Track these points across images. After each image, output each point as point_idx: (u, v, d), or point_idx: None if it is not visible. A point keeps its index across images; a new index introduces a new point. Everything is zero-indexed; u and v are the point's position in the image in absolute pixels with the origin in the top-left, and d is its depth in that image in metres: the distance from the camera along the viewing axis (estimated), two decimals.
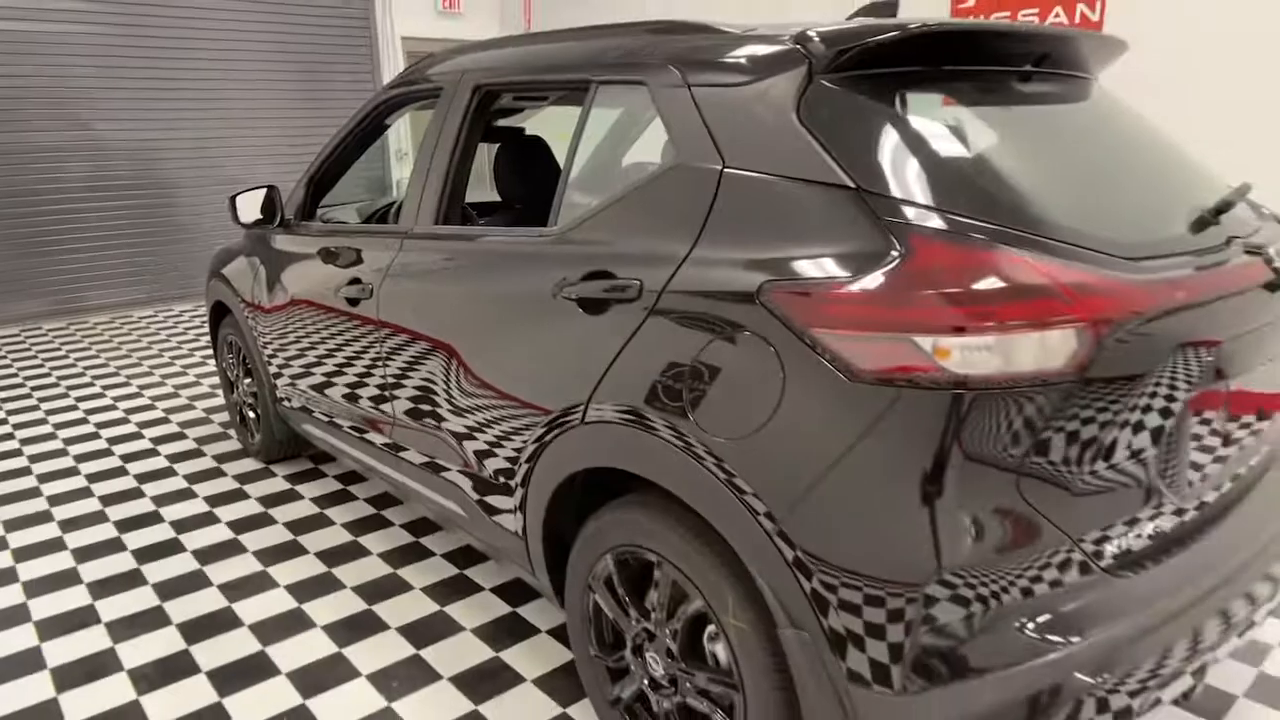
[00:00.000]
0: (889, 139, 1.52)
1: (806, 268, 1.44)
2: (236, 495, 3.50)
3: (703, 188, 1.65)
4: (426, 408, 2.40)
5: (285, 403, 3.40)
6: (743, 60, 1.67)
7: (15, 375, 5.39)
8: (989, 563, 1.34)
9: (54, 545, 3.10)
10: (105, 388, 5.07)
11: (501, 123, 3.50)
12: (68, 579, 2.86)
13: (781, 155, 1.55)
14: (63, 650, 2.46)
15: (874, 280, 1.36)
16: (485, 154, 2.97)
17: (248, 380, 3.74)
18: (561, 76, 2.13)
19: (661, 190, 1.75)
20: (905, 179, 1.45)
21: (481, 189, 3.46)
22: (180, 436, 4.21)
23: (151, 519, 3.30)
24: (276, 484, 3.61)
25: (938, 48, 1.63)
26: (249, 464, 3.84)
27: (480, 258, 2.21)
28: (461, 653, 2.41)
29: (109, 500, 3.48)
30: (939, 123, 1.61)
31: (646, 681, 1.84)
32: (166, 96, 7.30)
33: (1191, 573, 1.53)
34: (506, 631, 2.51)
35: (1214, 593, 1.55)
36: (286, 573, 2.87)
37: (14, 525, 3.26)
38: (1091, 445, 1.38)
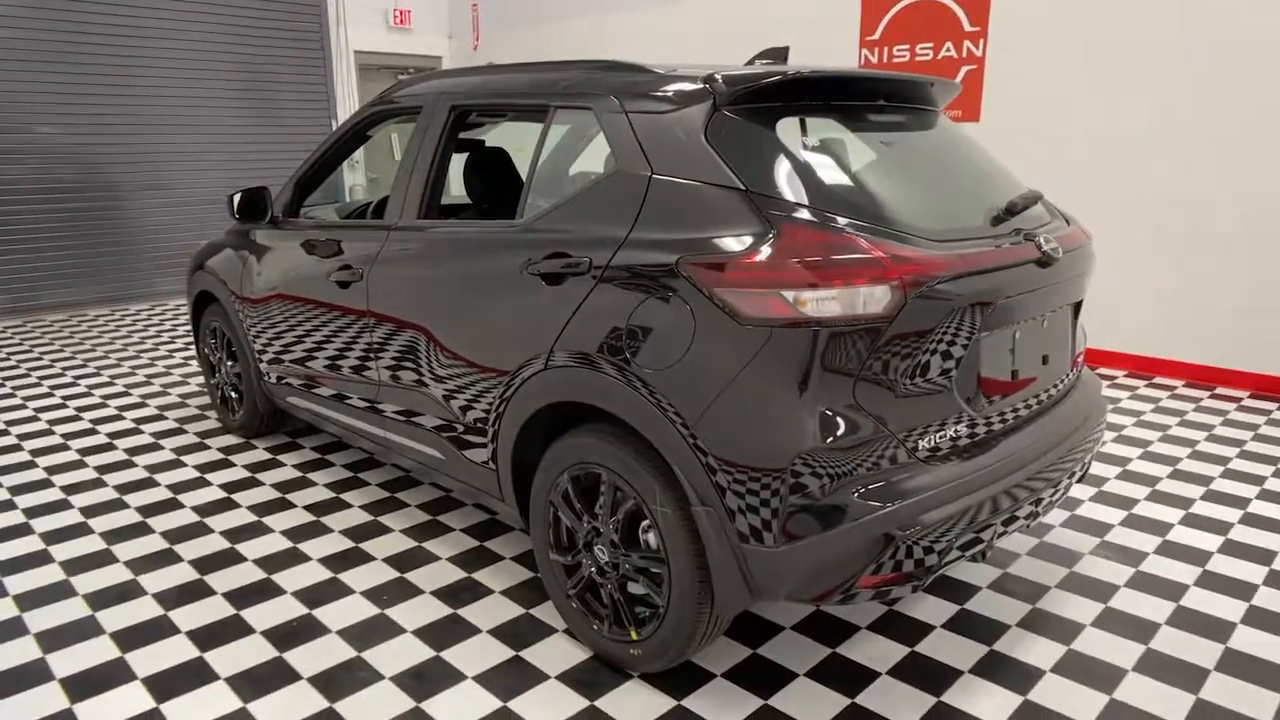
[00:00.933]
0: (769, 154, 2.11)
1: (710, 245, 2.01)
2: (223, 464, 3.91)
3: (636, 188, 2.21)
4: (413, 370, 2.89)
5: (268, 380, 3.83)
6: (667, 93, 2.24)
7: None
8: (834, 450, 1.92)
9: (60, 505, 3.47)
10: (76, 378, 5.37)
11: (464, 136, 4.01)
12: (79, 530, 3.25)
13: (693, 165, 2.12)
14: (90, 582, 2.87)
15: (756, 253, 1.93)
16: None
17: (230, 363, 4.15)
18: (526, 101, 2.68)
19: (605, 191, 2.30)
20: (779, 183, 2.04)
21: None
22: (160, 418, 4.58)
23: (148, 483, 3.69)
24: (259, 455, 4.03)
25: (805, 88, 2.23)
26: (230, 439, 4.24)
27: (460, 244, 2.73)
28: (440, 574, 2.90)
29: (104, 469, 3.85)
30: (807, 142, 2.21)
31: (595, 570, 2.37)
32: (112, 102, 7.53)
33: (986, 467, 2.14)
34: (477, 559, 3.01)
35: (1002, 484, 2.15)
36: (279, 522, 3.31)
37: (18, 490, 3.62)
38: (905, 367, 1.97)
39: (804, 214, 1.98)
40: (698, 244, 2.03)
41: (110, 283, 7.78)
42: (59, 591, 2.80)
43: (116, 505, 3.47)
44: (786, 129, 2.20)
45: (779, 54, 3.06)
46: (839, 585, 1.96)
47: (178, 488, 3.64)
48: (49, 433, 4.35)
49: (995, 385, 2.21)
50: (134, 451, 4.07)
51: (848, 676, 2.34)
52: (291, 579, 2.88)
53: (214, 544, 3.13)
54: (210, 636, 2.55)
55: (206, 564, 2.98)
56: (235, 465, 3.89)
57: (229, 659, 2.44)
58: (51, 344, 6.31)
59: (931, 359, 2.01)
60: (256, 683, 2.33)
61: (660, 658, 2.24)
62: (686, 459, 2.03)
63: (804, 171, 2.12)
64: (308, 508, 3.44)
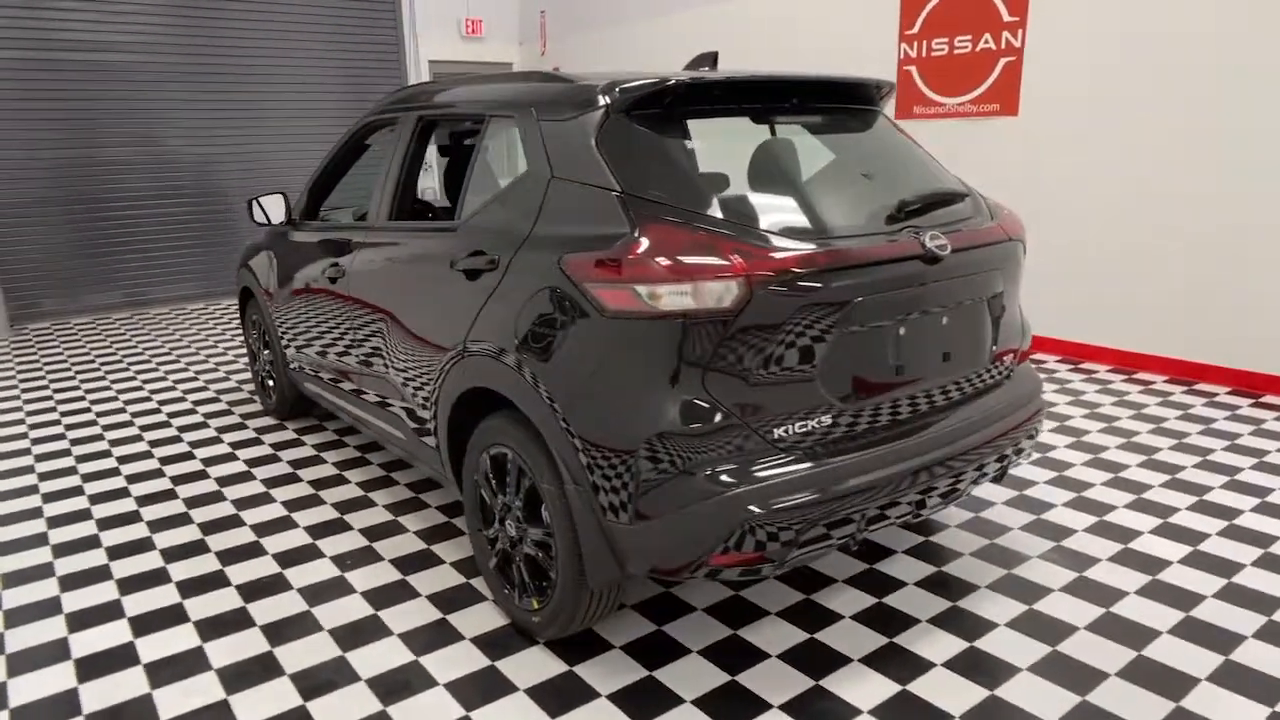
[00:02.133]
0: (649, 157, 2.25)
1: (584, 243, 2.17)
2: (253, 442, 4.34)
3: (539, 190, 2.39)
4: (379, 357, 3.18)
5: (292, 367, 4.23)
6: (572, 102, 2.41)
7: (88, 354, 6.38)
8: (683, 435, 2.05)
9: (112, 471, 3.96)
10: (159, 364, 6.01)
11: (469, 144, 4.30)
12: (153, 474, 3.71)
13: (584, 169, 2.29)
14: (154, 512, 3.31)
15: (616, 251, 2.08)
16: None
17: (266, 352, 4.59)
18: (472, 111, 2.90)
19: (516, 192, 2.50)
20: (651, 185, 2.18)
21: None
22: (215, 400, 5.09)
23: (186, 456, 4.15)
24: (286, 435, 4.44)
25: (693, 94, 2.35)
26: (266, 420, 4.68)
27: (413, 244, 2.99)
28: (402, 545, 3.18)
29: (155, 444, 4.35)
30: (686, 146, 2.34)
31: (507, 543, 2.58)
32: (221, 115, 8.32)
33: (857, 460, 2.21)
34: (440, 534, 3.27)
35: (875, 477, 2.21)
36: (284, 494, 3.68)
37: (84, 459, 4.15)
38: (757, 359, 2.07)
39: (666, 214, 2.11)
40: (576, 242, 2.20)
41: (209, 280, 8.55)
42: (128, 517, 3.25)
43: (156, 473, 3.93)
44: (671, 133, 2.33)
45: (708, 59, 3.18)
46: (692, 562, 2.09)
47: (209, 461, 4.08)
48: (122, 411, 4.92)
49: (872, 380, 2.28)
50: (184, 429, 4.57)
51: (738, 656, 2.45)
52: (275, 543, 3.22)
53: (226, 509, 3.53)
54: (198, 585, 2.92)
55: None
56: (263, 444, 4.32)
57: (205, 605, 2.79)
58: (149, 335, 7.04)
59: (787, 351, 2.10)
60: (218, 626, 2.66)
61: (553, 626, 2.43)
62: (561, 440, 2.20)
63: (678, 174, 2.25)
64: (311, 482, 3.80)
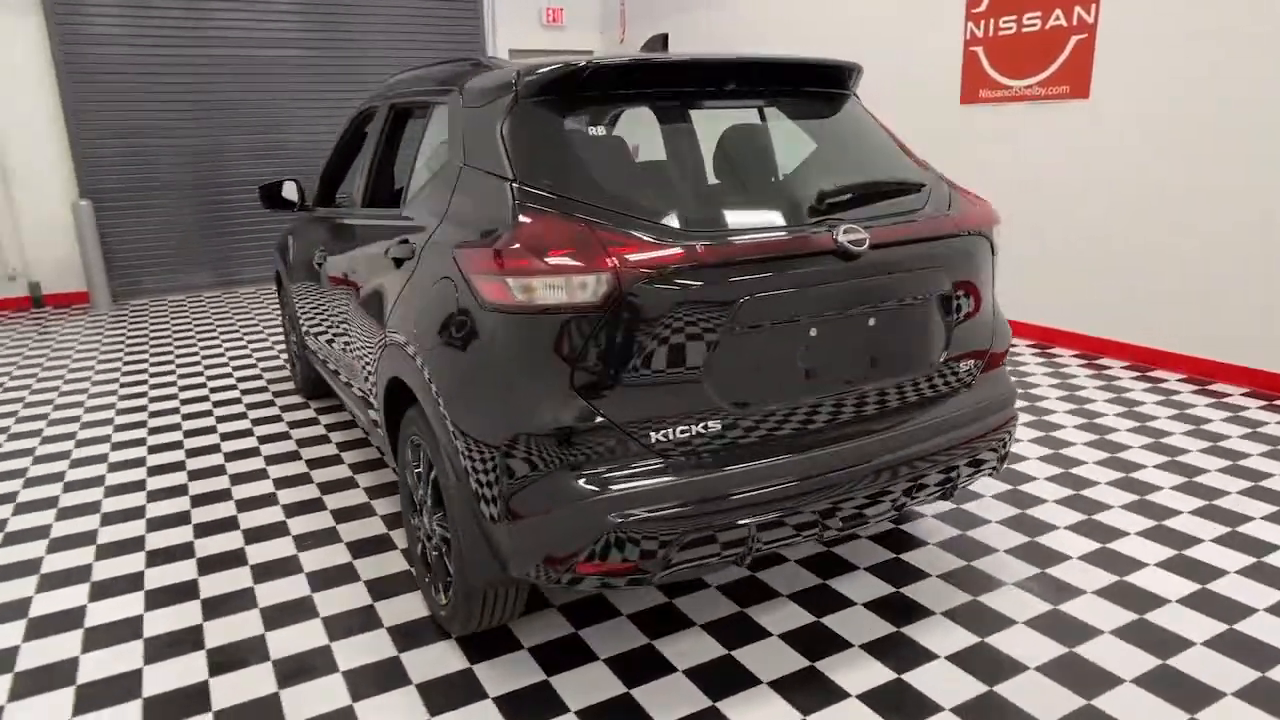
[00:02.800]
0: (543, 145, 2.15)
1: (475, 234, 2.10)
2: (273, 419, 4.52)
3: (453, 178, 2.34)
4: (344, 340, 3.22)
5: (309, 348, 4.37)
6: (488, 88, 2.34)
7: (166, 330, 6.84)
8: (550, 434, 1.95)
9: (139, 441, 4.22)
10: (223, 340, 6.37)
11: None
12: (172, 445, 3.94)
13: (488, 156, 2.22)
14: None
15: (493, 242, 2.00)
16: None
17: (293, 334, 4.77)
18: (424, 99, 2.87)
19: (436, 180, 2.45)
20: (538, 173, 2.08)
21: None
22: (257, 377, 5.35)
23: (208, 430, 4.37)
24: (305, 414, 4.60)
25: (610, 79, 2.22)
26: (294, 399, 4.87)
27: (365, 230, 3.00)
28: (365, 529, 3.22)
29: (188, 416, 4.61)
30: (592, 133, 2.22)
31: (424, 534, 2.55)
32: (322, 105, 8.70)
33: (753, 469, 2.04)
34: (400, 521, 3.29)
35: (776, 489, 2.04)
36: (279, 470, 3.81)
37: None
38: (631, 358, 1.94)
39: (551, 205, 2.01)
40: (470, 231, 2.13)
41: None
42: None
43: (174, 445, 4.16)
44: (581, 120, 2.22)
45: (657, 41, 3.03)
46: (561, 566, 2.00)
47: (227, 435, 4.28)
48: (172, 385, 5.24)
49: (775, 384, 2.10)
50: (218, 403, 4.81)
51: (644, 668, 2.34)
52: (249, 519, 3.33)
53: (222, 483, 3.68)
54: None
55: (201, 499, 3.53)
56: (281, 420, 4.49)
57: (164, 575, 2.92)
58: (228, 312, 7.48)
59: (665, 351, 1.97)
60: (169, 595, 2.78)
61: (457, 621, 2.38)
62: (446, 434, 2.15)
63: (575, 163, 2.14)
64: (308, 462, 3.91)
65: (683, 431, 2.02)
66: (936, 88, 6.00)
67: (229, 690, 2.30)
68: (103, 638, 2.56)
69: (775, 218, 2.14)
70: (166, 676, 2.36)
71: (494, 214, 2.09)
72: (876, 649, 2.38)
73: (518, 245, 1.95)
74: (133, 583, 2.86)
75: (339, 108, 8.77)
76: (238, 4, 8.09)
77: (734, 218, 2.11)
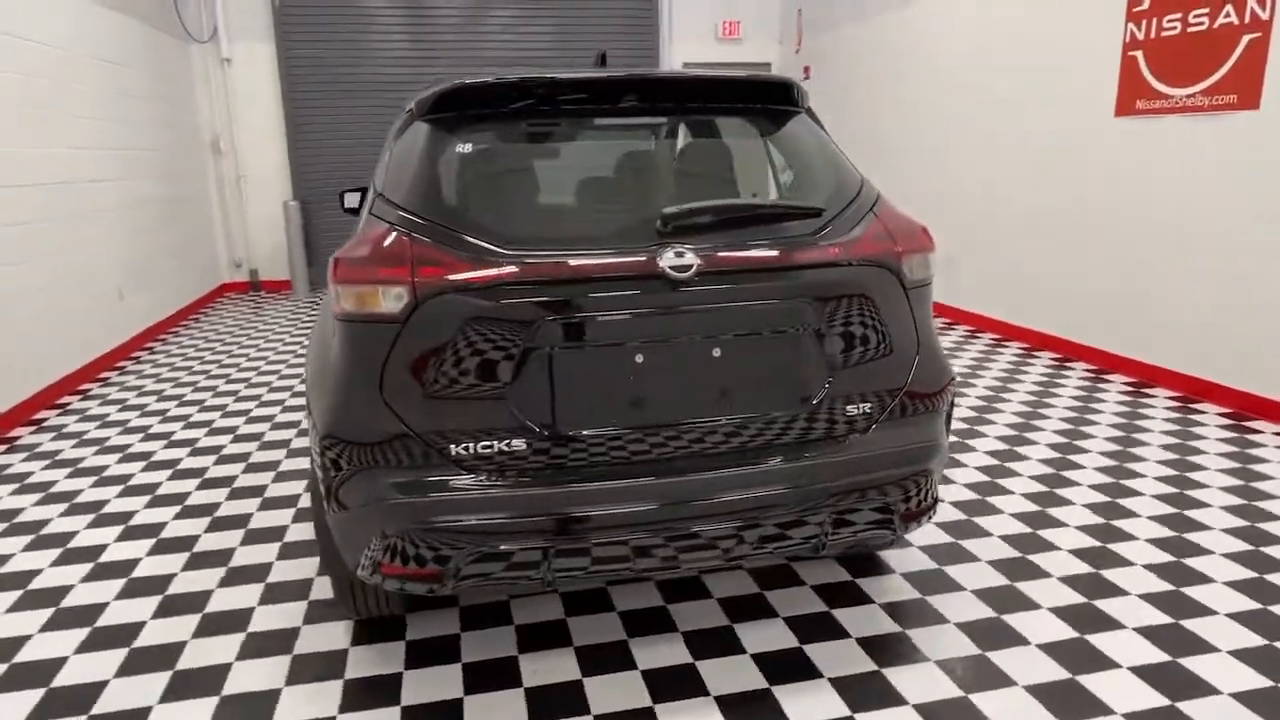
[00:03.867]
0: (412, 161, 2.22)
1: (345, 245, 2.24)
2: None
3: (370, 195, 2.50)
4: None
5: None
6: (407, 107, 2.47)
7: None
8: (354, 437, 2.02)
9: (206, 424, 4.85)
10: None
11: None
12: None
13: (379, 171, 2.35)
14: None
15: (339, 252, 2.12)
16: None
17: None
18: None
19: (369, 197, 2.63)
20: (399, 188, 2.17)
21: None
22: None
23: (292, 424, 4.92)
24: None
25: (473, 98, 2.25)
26: None
27: None
28: None
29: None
30: (460, 150, 2.26)
31: None
32: None
33: (548, 499, 1.99)
34: None
35: (564, 523, 1.98)
36: None
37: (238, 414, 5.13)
38: (432, 370, 1.97)
39: (392, 218, 2.09)
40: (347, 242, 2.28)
41: None
42: None
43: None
44: (457, 138, 2.27)
45: (598, 59, 3.00)
46: (369, 564, 2.07)
47: None
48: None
49: (594, 409, 2.04)
50: None
51: (495, 674, 2.35)
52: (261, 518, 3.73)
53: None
54: None
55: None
56: None
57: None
58: None
59: (465, 366, 1.98)
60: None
61: (343, 606, 2.52)
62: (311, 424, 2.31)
63: (430, 179, 2.18)
64: None
65: (485, 448, 2.01)
66: (1086, 98, 5.29)
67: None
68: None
69: (614, 239, 2.07)
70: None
71: (360, 225, 2.22)
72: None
73: (344, 256, 2.06)
74: None
75: None
76: (440, 32, 8.92)
77: (569, 237, 2.07)
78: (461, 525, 1.97)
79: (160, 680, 2.37)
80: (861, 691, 2.23)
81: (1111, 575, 2.81)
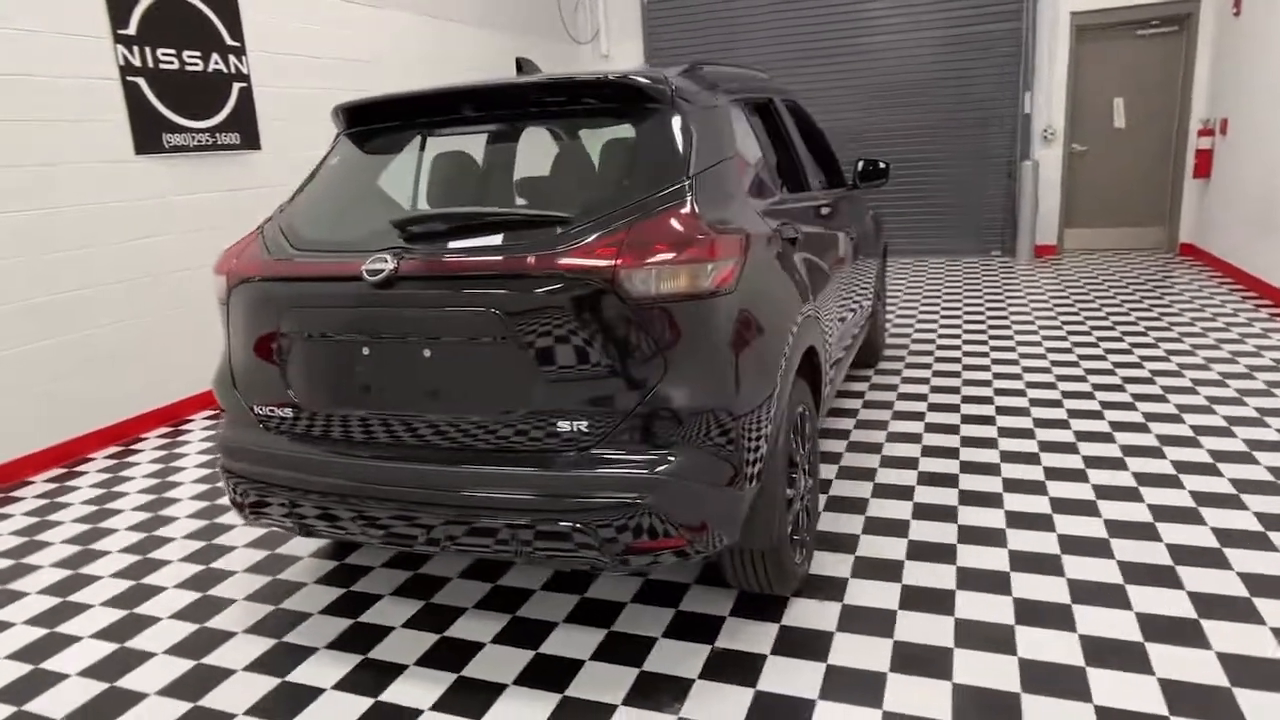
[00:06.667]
0: (317, 171, 2.66)
1: None
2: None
3: None
4: None
5: None
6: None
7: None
8: (223, 396, 2.54)
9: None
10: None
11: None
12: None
13: None
14: None
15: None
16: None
17: None
18: None
19: None
20: (297, 194, 2.62)
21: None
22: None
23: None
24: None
25: (361, 113, 2.58)
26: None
27: None
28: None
29: None
30: (334, 161, 2.64)
31: None
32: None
33: (307, 460, 2.32)
34: None
35: (317, 481, 2.28)
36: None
37: None
38: (242, 341, 2.40)
39: (272, 220, 2.57)
40: None
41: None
42: None
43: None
44: (346, 150, 2.65)
45: (527, 66, 3.07)
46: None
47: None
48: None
49: (329, 391, 2.31)
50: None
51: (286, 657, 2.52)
52: None
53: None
54: None
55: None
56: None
57: None
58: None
59: (255, 343, 2.37)
60: None
61: None
62: None
63: (307, 186, 2.61)
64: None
65: (269, 410, 2.41)
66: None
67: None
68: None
69: (365, 243, 2.27)
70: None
71: None
72: None
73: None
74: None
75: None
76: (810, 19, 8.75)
77: (339, 240, 2.36)
78: (242, 470, 2.41)
79: None
80: None
81: None
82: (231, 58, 4.99)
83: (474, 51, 7.62)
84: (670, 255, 2.03)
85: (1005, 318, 6.14)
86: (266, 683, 2.40)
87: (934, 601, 2.57)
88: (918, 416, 4.19)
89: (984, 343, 5.51)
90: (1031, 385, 4.57)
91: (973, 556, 2.81)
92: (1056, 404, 4.23)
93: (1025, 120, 8.31)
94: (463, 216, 2.28)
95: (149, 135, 4.50)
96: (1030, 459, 3.57)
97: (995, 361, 5.06)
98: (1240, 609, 2.44)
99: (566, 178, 2.42)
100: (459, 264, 2.12)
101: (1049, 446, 3.69)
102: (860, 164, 4.07)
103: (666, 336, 2.04)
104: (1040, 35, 8.19)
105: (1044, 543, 2.87)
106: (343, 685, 2.37)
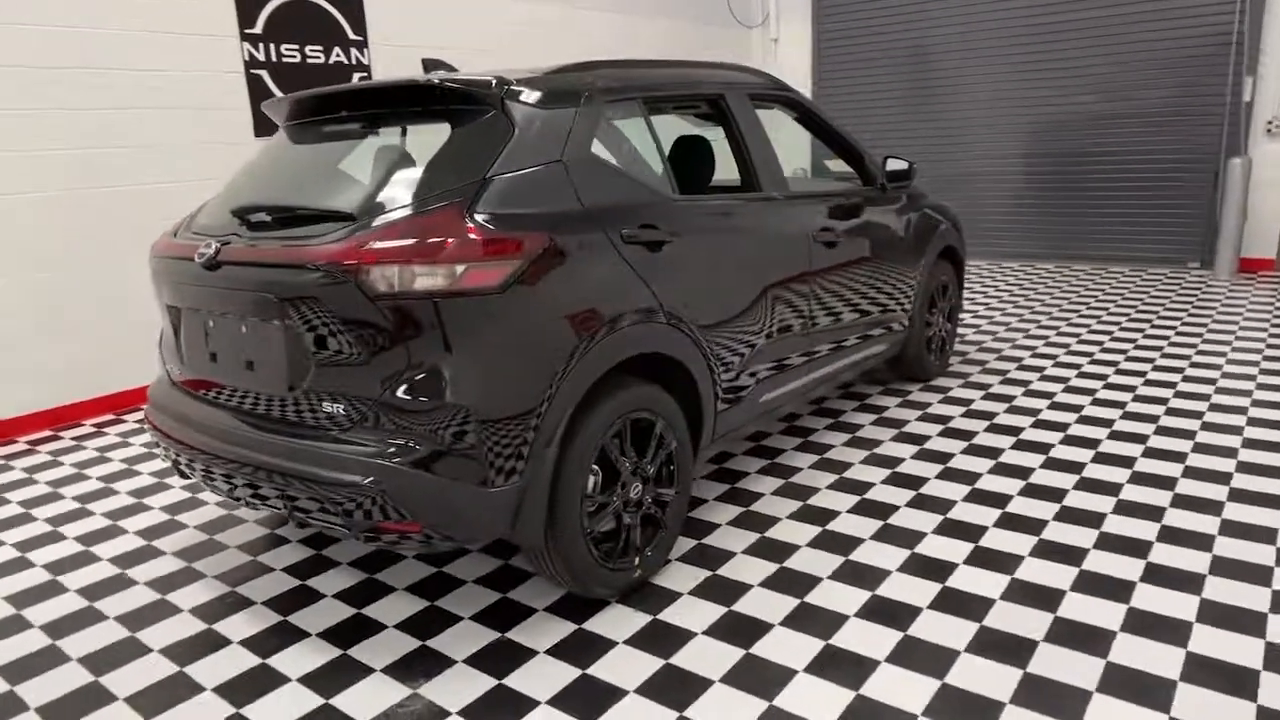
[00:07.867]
0: None
1: None
2: None
3: None
4: None
5: None
6: None
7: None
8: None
9: None
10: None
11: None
12: None
13: None
14: None
15: None
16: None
17: None
18: None
19: None
20: None
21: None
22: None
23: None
24: None
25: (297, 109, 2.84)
26: None
27: None
28: None
29: None
30: (271, 153, 2.91)
31: None
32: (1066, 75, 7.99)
33: (174, 413, 2.68)
34: None
35: (183, 435, 2.59)
36: None
37: None
38: (162, 312, 2.78)
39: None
40: None
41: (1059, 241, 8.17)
42: None
43: None
44: (262, 144, 3.02)
45: (439, 64, 3.23)
46: None
47: None
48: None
49: (190, 356, 2.65)
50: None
51: (279, 636, 2.67)
52: None
53: None
54: None
55: None
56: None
57: None
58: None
59: (164, 309, 2.76)
60: None
61: None
62: None
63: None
64: None
65: (168, 369, 2.83)
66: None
67: None
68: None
69: (215, 228, 2.58)
70: None
71: None
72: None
73: None
74: None
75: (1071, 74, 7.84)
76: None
77: (207, 225, 2.65)
78: (155, 422, 2.78)
79: None
80: None
81: None
82: (353, 50, 5.62)
83: (604, 37, 7.58)
84: (410, 255, 2.11)
85: (1162, 346, 5.13)
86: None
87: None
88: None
89: (1134, 372, 4.62)
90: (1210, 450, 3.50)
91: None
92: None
93: (1246, 109, 6.96)
94: (268, 209, 2.49)
95: (267, 120, 5.19)
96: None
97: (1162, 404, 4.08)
98: None
99: (378, 176, 2.52)
100: (253, 252, 2.36)
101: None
102: (885, 163, 3.71)
103: (407, 333, 2.13)
104: (1271, 12, 6.80)
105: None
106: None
